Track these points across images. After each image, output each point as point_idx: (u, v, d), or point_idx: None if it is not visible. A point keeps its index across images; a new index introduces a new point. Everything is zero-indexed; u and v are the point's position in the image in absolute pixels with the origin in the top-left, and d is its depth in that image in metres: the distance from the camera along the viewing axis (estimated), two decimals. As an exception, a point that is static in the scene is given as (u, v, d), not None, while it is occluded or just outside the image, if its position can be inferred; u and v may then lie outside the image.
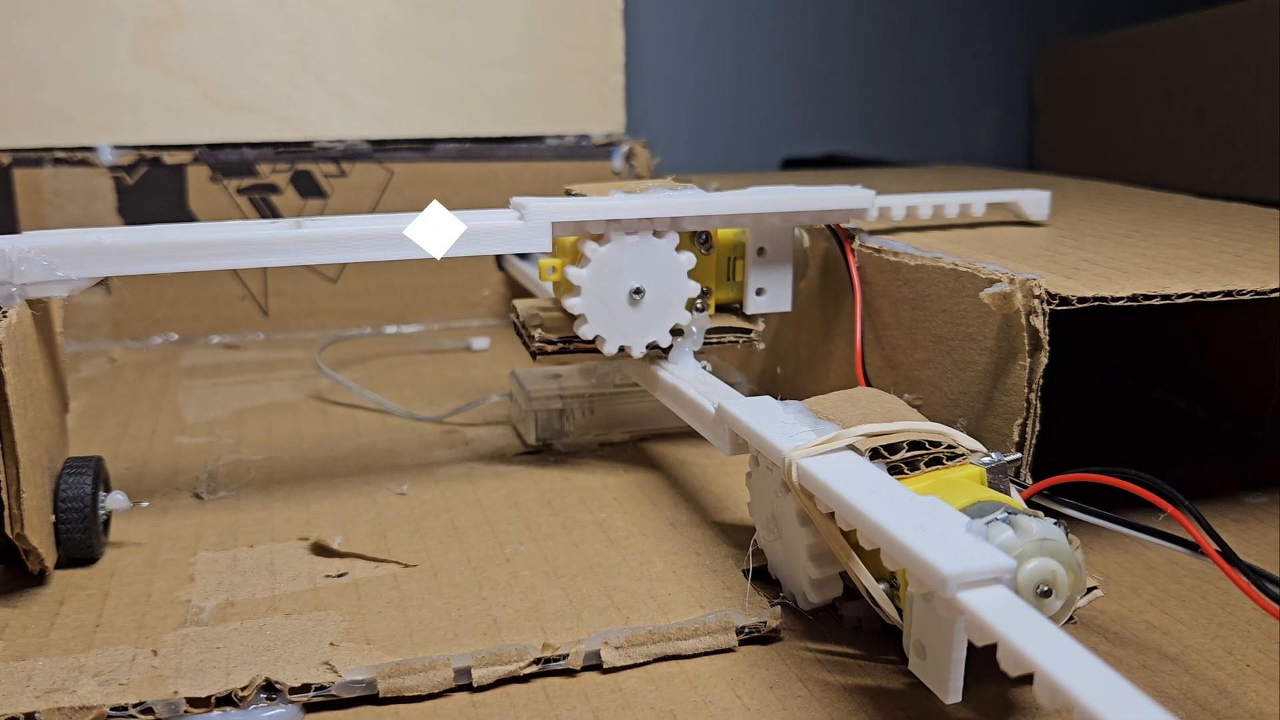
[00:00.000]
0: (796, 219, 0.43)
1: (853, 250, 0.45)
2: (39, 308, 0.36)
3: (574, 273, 0.40)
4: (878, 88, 1.14)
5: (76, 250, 0.35)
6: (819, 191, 0.43)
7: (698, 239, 0.43)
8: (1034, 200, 0.49)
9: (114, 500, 0.38)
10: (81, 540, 0.36)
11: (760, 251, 0.44)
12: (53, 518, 0.36)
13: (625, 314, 0.41)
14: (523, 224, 0.39)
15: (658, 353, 0.43)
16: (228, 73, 0.67)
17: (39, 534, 0.34)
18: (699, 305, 0.43)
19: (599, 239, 0.40)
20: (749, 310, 0.45)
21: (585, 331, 0.41)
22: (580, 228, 0.40)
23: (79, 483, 0.36)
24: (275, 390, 0.57)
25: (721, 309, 0.45)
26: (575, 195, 0.41)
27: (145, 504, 0.42)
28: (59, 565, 0.37)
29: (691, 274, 0.42)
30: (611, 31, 0.73)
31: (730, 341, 0.44)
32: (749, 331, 0.44)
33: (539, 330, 0.42)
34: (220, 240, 0.37)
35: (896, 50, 1.14)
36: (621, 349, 0.42)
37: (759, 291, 0.45)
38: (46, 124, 0.65)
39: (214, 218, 0.67)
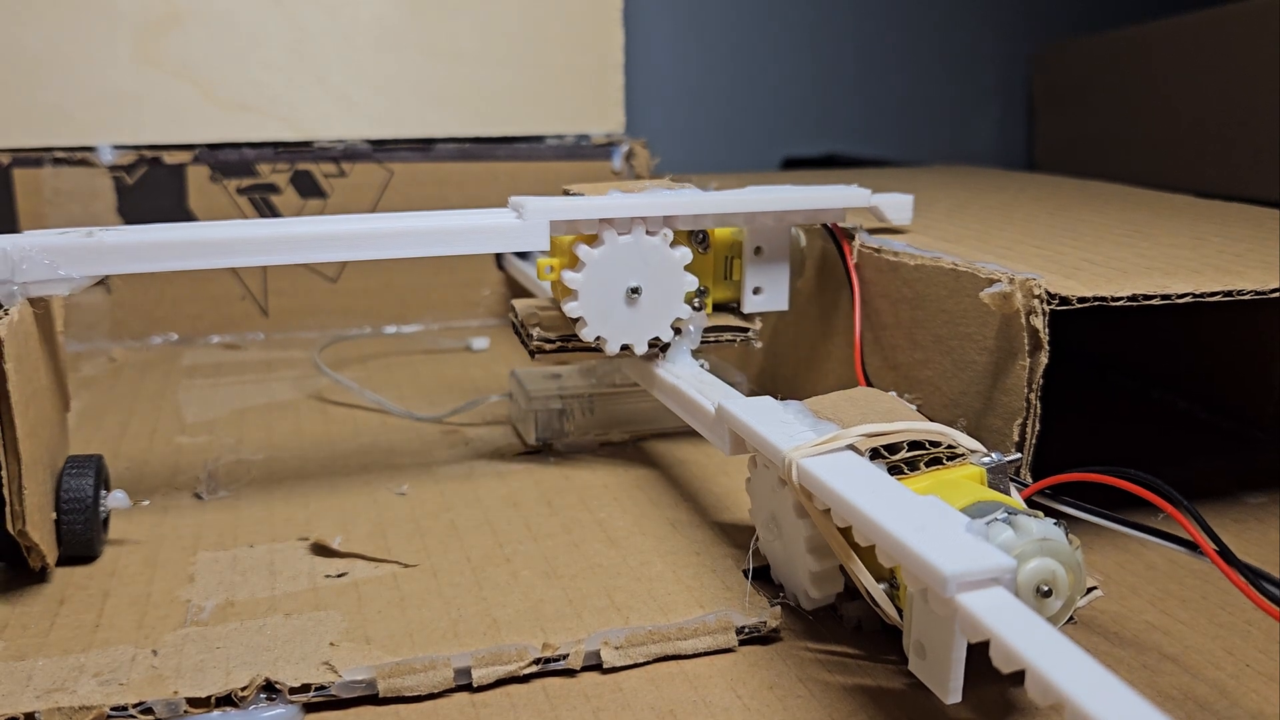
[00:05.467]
0: (791, 218, 0.44)
1: (851, 249, 0.45)
2: (40, 306, 0.36)
3: (570, 277, 0.41)
4: (877, 88, 1.14)
5: (78, 249, 0.35)
6: (814, 191, 0.44)
7: (695, 238, 0.43)
8: None
9: (114, 500, 0.38)
10: (83, 537, 0.36)
11: (757, 250, 0.44)
12: (54, 515, 0.36)
13: (624, 313, 0.42)
14: (521, 223, 0.39)
15: (658, 351, 0.43)
16: (228, 73, 0.67)
17: (41, 530, 0.34)
18: (696, 304, 0.43)
19: (592, 240, 0.41)
20: (746, 309, 0.45)
21: (586, 334, 0.42)
22: (577, 226, 0.41)
23: (81, 482, 0.36)
24: (275, 390, 0.57)
25: (719, 308, 0.45)
26: (574, 195, 0.42)
27: (146, 502, 0.42)
28: (59, 562, 0.37)
29: (688, 270, 0.42)
30: (611, 31, 0.73)
31: (728, 340, 0.45)
32: (746, 330, 0.45)
33: (537, 329, 0.43)
34: (220, 239, 0.37)
35: (896, 50, 1.14)
36: (624, 348, 0.42)
37: (756, 290, 0.45)
38: (46, 124, 0.65)
39: (214, 218, 0.67)
